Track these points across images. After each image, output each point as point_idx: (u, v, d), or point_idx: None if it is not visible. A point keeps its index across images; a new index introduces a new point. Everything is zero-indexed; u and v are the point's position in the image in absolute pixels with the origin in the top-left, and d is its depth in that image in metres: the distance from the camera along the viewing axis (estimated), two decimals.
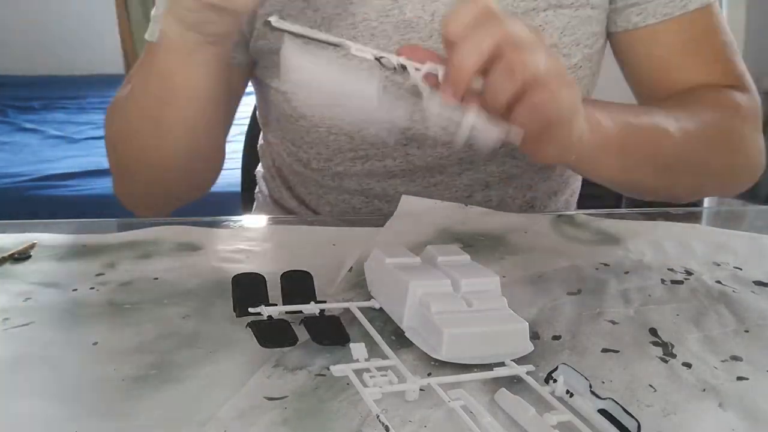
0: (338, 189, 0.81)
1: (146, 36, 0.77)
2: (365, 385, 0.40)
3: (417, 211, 0.70)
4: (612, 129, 0.60)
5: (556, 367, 0.41)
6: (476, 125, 0.48)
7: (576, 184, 0.90)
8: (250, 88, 0.83)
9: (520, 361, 0.43)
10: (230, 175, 1.82)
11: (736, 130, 0.72)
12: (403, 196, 0.73)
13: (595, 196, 0.95)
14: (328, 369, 0.43)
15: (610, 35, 0.78)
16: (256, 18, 0.73)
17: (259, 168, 0.98)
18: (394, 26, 0.71)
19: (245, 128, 1.18)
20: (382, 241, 0.62)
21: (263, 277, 0.50)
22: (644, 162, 0.65)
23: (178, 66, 0.65)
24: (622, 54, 0.79)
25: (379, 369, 0.42)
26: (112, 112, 0.78)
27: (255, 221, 0.72)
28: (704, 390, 0.41)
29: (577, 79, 0.75)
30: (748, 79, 0.76)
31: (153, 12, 0.77)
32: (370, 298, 0.52)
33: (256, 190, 1.00)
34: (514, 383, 0.42)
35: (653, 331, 0.47)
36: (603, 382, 0.42)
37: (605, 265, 0.57)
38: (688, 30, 0.74)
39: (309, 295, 0.50)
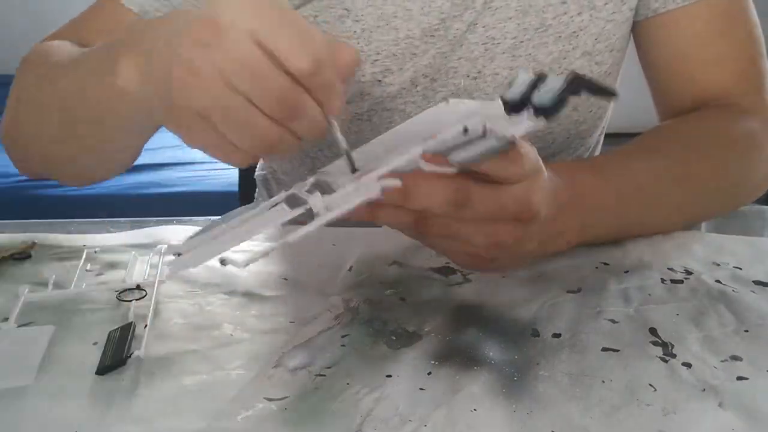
0: None
1: None
2: None
3: None
4: (608, 224, 0.57)
5: None
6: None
7: None
8: None
9: None
10: (229, 175, 1.83)
11: (745, 173, 0.66)
12: None
13: None
14: (329, 368, 0.44)
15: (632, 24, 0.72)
16: None
17: (259, 170, 0.94)
18: (438, 48, 0.66)
19: None
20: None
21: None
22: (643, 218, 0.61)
23: (132, 126, 0.54)
24: (642, 44, 0.72)
25: None
26: (24, 82, 0.68)
27: None
28: (704, 390, 0.41)
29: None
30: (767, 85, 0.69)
31: None
32: (373, 293, 0.52)
33: (256, 193, 0.96)
34: (513, 379, 0.42)
35: (653, 331, 0.47)
36: (603, 381, 0.42)
37: (605, 264, 0.57)
38: (711, 19, 0.67)
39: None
